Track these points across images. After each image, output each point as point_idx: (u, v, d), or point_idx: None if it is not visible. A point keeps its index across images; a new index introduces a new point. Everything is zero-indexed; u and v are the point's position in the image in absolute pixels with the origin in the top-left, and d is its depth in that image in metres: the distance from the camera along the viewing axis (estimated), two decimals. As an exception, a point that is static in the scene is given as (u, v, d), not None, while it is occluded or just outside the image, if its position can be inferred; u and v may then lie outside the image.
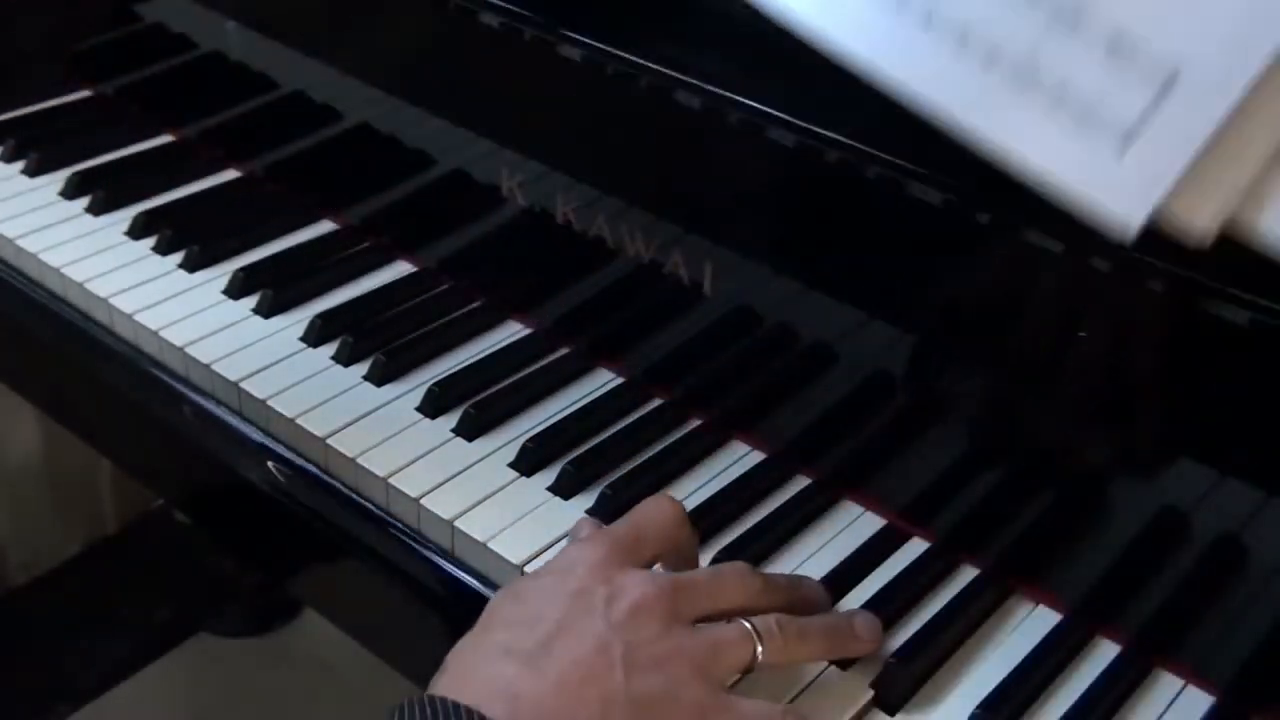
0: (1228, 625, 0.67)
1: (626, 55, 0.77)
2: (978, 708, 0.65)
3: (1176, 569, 0.68)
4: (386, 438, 0.79)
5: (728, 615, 0.64)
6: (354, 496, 0.78)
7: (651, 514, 0.67)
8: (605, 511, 0.74)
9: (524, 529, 0.74)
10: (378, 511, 0.77)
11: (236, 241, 0.95)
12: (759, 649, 0.62)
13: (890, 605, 0.71)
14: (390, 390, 0.84)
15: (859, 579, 0.73)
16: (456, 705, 0.55)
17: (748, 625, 0.62)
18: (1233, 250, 0.54)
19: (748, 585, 0.65)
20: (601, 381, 0.86)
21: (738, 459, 0.81)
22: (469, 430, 0.80)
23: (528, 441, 0.79)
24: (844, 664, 0.68)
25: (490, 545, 0.73)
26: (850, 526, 0.76)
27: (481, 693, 0.57)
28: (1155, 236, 0.54)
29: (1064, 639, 0.70)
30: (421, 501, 0.75)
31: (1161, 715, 0.67)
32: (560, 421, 0.82)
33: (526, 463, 0.78)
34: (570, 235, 0.86)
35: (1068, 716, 0.66)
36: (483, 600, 0.64)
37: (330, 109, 0.99)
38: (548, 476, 0.78)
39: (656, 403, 0.84)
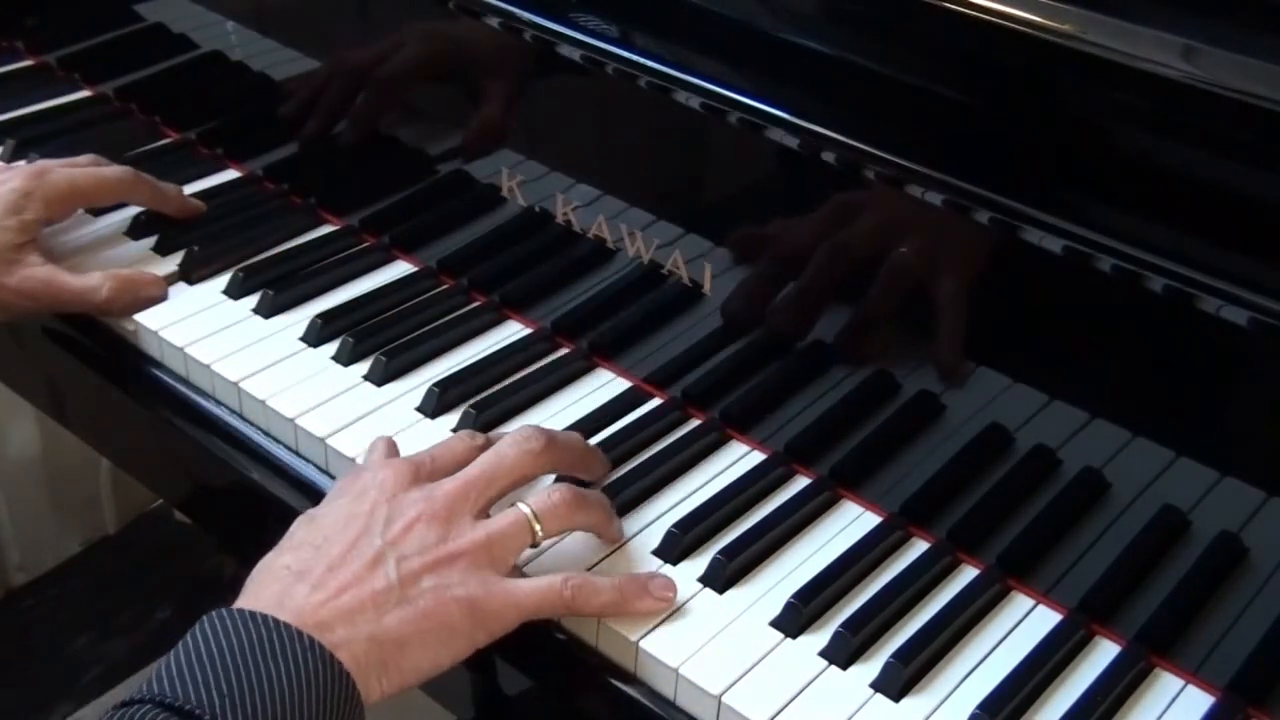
0: (1228, 625, 0.67)
1: (627, 55, 0.78)
2: (978, 708, 0.65)
3: (1176, 569, 0.68)
4: (386, 438, 0.79)
5: (518, 486, 0.71)
6: (354, 496, 0.78)
7: (451, 442, 0.74)
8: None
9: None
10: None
11: (236, 242, 0.95)
12: (537, 528, 0.69)
13: (890, 604, 0.71)
14: (390, 390, 0.84)
15: (859, 579, 0.73)
16: (253, 614, 0.61)
17: (524, 509, 0.69)
18: (1233, 250, 0.54)
19: (525, 452, 0.71)
20: (601, 381, 0.86)
21: (738, 459, 0.81)
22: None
23: (528, 441, 0.79)
24: (844, 663, 0.68)
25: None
26: (850, 526, 0.76)
27: (271, 605, 0.63)
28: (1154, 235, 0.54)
29: (1064, 639, 0.70)
30: (421, 501, 0.75)
31: (1161, 715, 0.67)
32: (560, 421, 0.82)
33: (526, 462, 0.78)
34: (570, 235, 0.86)
35: (1068, 716, 0.66)
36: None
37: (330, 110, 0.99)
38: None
39: (656, 402, 0.84)
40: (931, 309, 0.72)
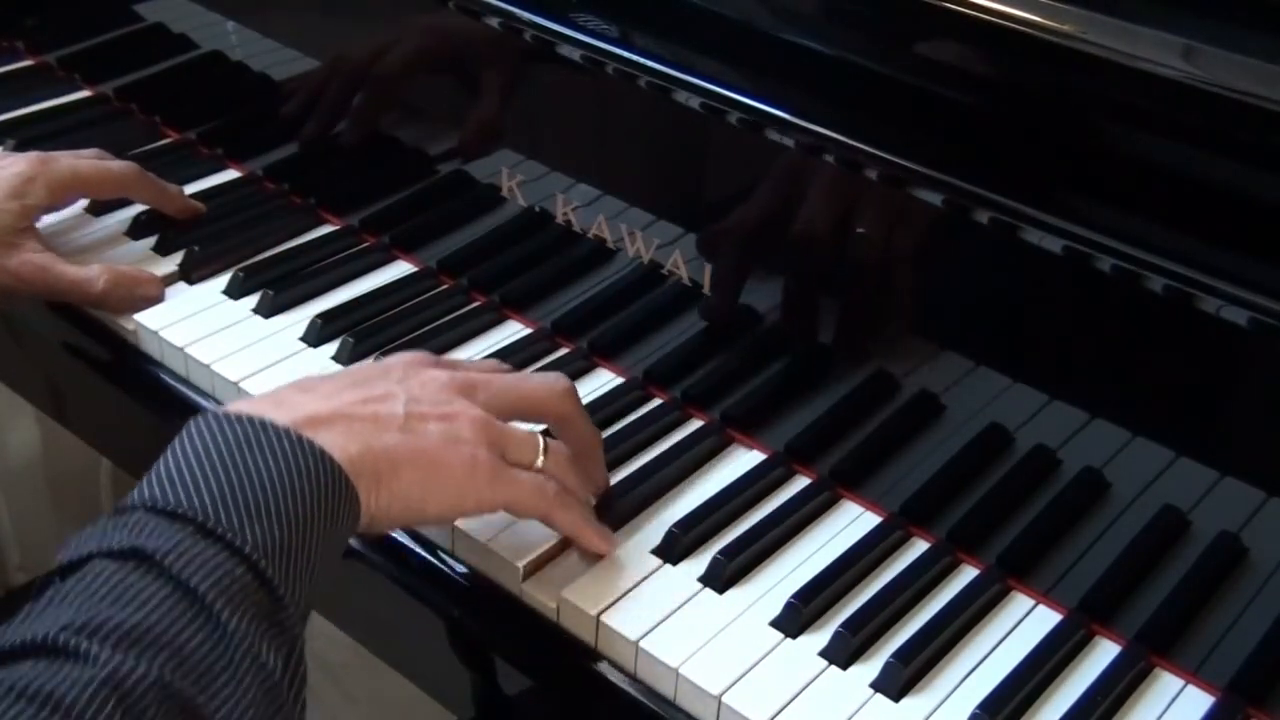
0: (1228, 625, 0.67)
1: (627, 55, 0.78)
2: (978, 708, 0.65)
3: (1176, 569, 0.68)
4: (386, 438, 0.79)
5: (530, 415, 0.71)
6: (354, 496, 0.78)
7: (481, 362, 0.76)
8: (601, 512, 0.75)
9: (522, 529, 0.74)
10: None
11: (236, 242, 0.95)
12: (541, 456, 0.69)
13: (890, 604, 0.71)
14: (390, 390, 0.84)
15: (859, 579, 0.73)
16: (238, 415, 0.59)
17: (539, 435, 0.69)
18: (1233, 250, 0.54)
19: (548, 384, 0.72)
20: (602, 382, 0.86)
21: (738, 459, 0.81)
22: (469, 430, 0.80)
23: (528, 441, 0.79)
24: (844, 663, 0.68)
25: (490, 546, 0.73)
26: (850, 526, 0.76)
27: (265, 405, 0.62)
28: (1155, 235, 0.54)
29: (1064, 639, 0.70)
30: (422, 501, 0.75)
31: (1161, 715, 0.67)
32: (560, 421, 0.82)
33: (526, 463, 0.78)
34: (570, 235, 0.86)
35: (1068, 717, 0.66)
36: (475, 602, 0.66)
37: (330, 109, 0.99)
38: (548, 476, 0.78)
39: (657, 403, 0.84)
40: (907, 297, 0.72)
